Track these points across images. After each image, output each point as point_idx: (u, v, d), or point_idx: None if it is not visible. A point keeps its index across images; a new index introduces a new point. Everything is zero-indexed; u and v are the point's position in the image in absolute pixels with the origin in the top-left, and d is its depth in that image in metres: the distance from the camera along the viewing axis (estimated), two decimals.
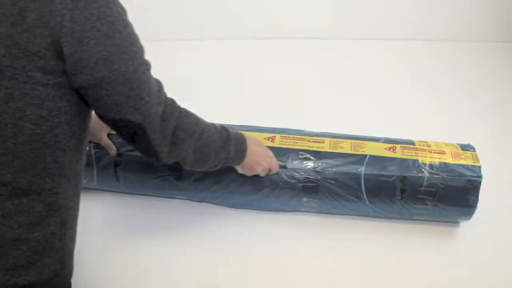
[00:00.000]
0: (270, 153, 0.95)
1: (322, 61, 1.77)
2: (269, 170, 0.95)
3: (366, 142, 1.02)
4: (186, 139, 0.75)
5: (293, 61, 1.77)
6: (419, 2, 1.85)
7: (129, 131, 0.70)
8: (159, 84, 0.74)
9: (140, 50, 0.68)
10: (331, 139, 1.03)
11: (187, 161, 0.78)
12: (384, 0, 1.85)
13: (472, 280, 0.93)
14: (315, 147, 1.01)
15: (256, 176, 0.97)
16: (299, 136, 1.04)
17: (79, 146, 0.67)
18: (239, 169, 0.92)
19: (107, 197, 1.12)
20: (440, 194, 0.95)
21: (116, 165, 1.04)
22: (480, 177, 0.94)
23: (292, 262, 0.97)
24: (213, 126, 0.81)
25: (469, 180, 0.94)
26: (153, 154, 0.73)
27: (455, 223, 1.04)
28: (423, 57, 1.79)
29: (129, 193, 1.12)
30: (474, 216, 0.98)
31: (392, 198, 0.97)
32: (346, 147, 1.01)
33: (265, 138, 1.03)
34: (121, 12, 0.64)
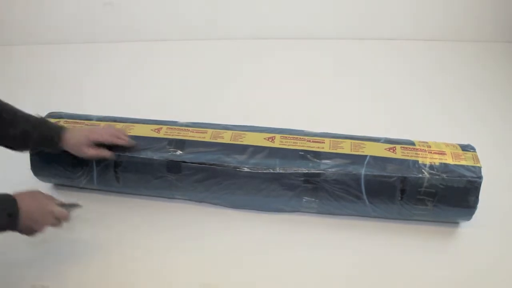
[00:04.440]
0: (49, 207, 0.82)
1: (322, 61, 1.77)
2: (59, 220, 0.84)
3: (366, 142, 1.02)
4: None
5: (293, 61, 1.77)
6: (419, 2, 1.84)
7: None
8: None
9: None
10: (331, 139, 1.03)
11: None
12: (384, 0, 1.85)
13: (472, 280, 0.93)
14: (315, 147, 1.01)
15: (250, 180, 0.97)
16: (299, 136, 1.04)
17: None
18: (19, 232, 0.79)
19: (107, 197, 1.12)
20: (440, 194, 0.95)
21: (116, 166, 1.04)
22: (480, 177, 0.94)
23: (292, 262, 0.97)
24: None
25: (469, 181, 0.94)
26: None
27: (455, 223, 1.04)
28: (423, 57, 1.79)
29: (129, 193, 1.12)
30: (474, 216, 0.98)
31: (392, 199, 0.97)
32: (346, 147, 1.01)
33: (265, 138, 1.03)
34: None
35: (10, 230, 0.76)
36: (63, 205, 0.86)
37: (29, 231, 0.80)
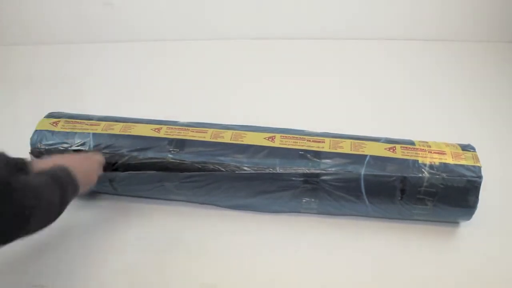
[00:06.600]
0: (89, 155, 0.91)
1: (322, 61, 1.77)
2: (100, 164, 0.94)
3: (366, 142, 1.02)
4: None
5: (293, 61, 1.77)
6: (419, 2, 1.84)
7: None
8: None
9: None
10: (331, 139, 1.03)
11: None
12: (384, 0, 1.85)
13: (472, 280, 0.93)
14: (315, 147, 1.01)
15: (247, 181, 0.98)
16: (299, 136, 1.04)
17: None
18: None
19: (106, 198, 1.12)
20: (440, 194, 0.95)
21: (111, 180, 1.04)
22: (480, 177, 0.94)
23: (291, 262, 0.97)
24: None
25: (469, 181, 0.94)
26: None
27: (455, 223, 1.04)
28: (424, 57, 1.78)
29: (128, 195, 1.11)
30: (474, 216, 0.98)
31: (392, 199, 0.97)
32: (346, 147, 1.01)
33: (265, 138, 1.03)
34: None
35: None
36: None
37: (87, 184, 0.85)
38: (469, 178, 0.94)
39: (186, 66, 1.74)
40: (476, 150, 1.01)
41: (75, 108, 1.24)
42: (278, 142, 1.03)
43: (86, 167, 0.87)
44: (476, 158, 0.98)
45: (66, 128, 1.08)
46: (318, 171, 0.97)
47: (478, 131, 1.34)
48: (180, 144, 1.03)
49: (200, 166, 1.00)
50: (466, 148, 1.01)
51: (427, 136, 1.08)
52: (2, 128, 1.37)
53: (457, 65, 1.73)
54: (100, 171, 0.93)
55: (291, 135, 1.05)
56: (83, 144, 1.05)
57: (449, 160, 0.97)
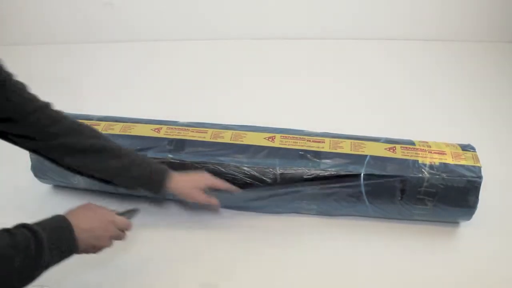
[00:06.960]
0: (108, 217, 0.74)
1: (322, 61, 1.77)
2: (122, 230, 0.77)
3: (366, 142, 1.02)
4: None
5: (293, 61, 1.77)
6: (419, 2, 1.85)
7: None
8: None
9: None
10: (331, 139, 1.03)
11: None
12: (383, 0, 1.85)
13: (472, 280, 0.93)
14: (315, 147, 1.01)
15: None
16: (299, 136, 1.04)
17: None
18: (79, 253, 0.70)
19: (106, 198, 1.12)
20: (440, 194, 0.95)
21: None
22: (480, 177, 0.94)
23: (291, 262, 0.97)
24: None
25: (469, 181, 0.94)
26: None
27: (455, 223, 1.04)
28: (424, 57, 1.79)
29: (128, 194, 1.11)
30: (474, 216, 0.98)
31: (392, 199, 0.97)
32: (346, 147, 1.01)
33: (265, 138, 1.03)
34: None
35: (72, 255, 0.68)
36: (121, 213, 0.79)
37: (92, 249, 0.72)
38: (469, 178, 0.94)
39: (186, 66, 1.74)
40: (476, 150, 1.00)
41: (75, 108, 1.23)
42: (278, 142, 1.02)
43: (99, 233, 0.72)
44: (476, 158, 0.98)
45: None
46: (318, 173, 0.97)
47: (478, 131, 1.34)
48: (180, 144, 1.03)
49: (200, 167, 1.00)
50: (466, 148, 1.01)
51: (427, 136, 1.08)
52: None
53: (457, 65, 1.73)
54: (122, 238, 0.78)
55: (291, 135, 1.05)
56: None
57: (449, 160, 0.97)
